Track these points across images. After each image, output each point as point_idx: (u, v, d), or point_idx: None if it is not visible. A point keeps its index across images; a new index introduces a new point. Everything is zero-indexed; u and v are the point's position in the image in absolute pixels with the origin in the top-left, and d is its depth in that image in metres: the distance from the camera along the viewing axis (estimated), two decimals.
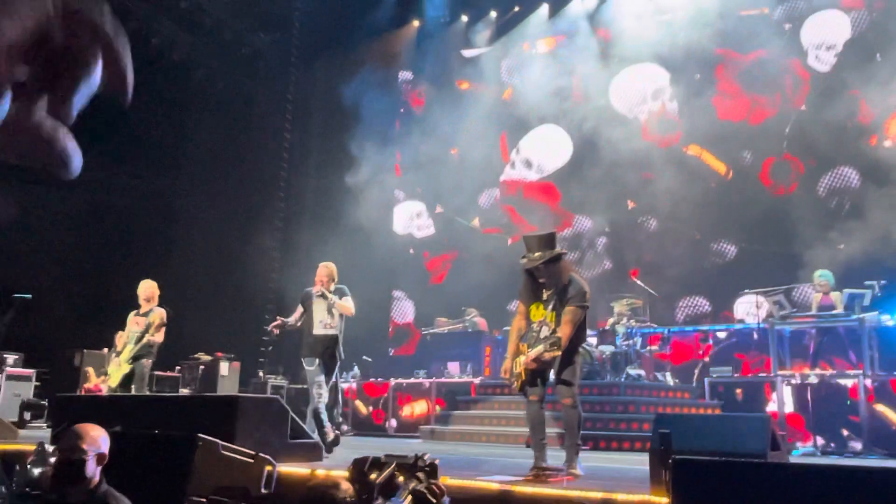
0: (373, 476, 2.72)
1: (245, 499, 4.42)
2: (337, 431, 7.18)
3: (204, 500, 4.15)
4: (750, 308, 10.82)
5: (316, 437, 6.59)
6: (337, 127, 16.25)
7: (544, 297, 5.15)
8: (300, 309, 7.32)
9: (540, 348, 4.82)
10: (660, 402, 9.41)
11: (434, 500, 2.67)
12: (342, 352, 7.21)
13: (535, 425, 5.11)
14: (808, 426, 8.38)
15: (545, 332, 4.96)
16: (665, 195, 12.27)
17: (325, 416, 6.91)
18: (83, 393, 10.67)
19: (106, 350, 10.74)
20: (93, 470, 3.28)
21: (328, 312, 7.11)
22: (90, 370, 11.07)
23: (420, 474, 2.71)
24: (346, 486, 2.48)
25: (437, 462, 2.82)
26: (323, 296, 7.08)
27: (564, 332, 4.85)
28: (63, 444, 3.37)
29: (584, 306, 4.99)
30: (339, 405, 7.79)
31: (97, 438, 3.37)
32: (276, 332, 7.30)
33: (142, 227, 14.99)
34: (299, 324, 7.26)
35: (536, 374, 5.09)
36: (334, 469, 5.06)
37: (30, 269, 13.13)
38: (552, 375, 5.22)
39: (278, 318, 7.37)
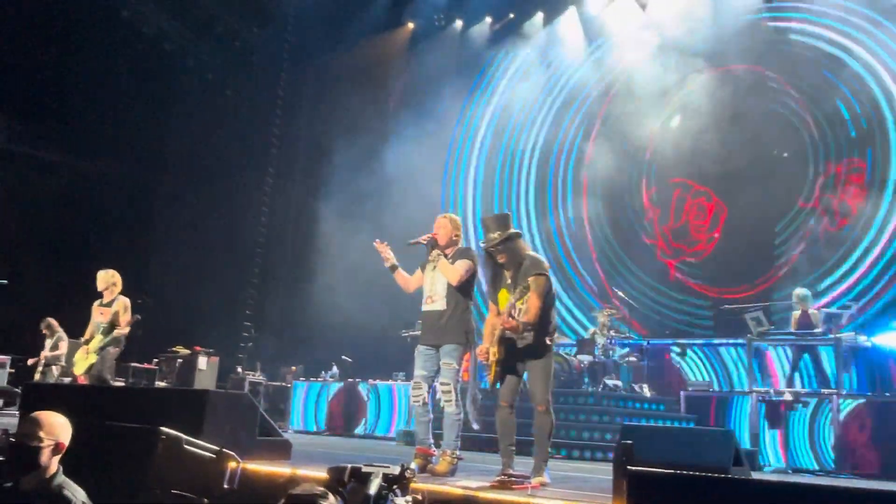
0: (352, 486, 2.57)
1: (207, 494, 4.37)
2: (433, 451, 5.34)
3: (164, 493, 4.11)
4: None
5: (286, 435, 6.50)
6: (325, 124, 16.21)
7: (507, 279, 5.16)
8: (418, 272, 5.63)
9: (511, 301, 4.84)
10: (635, 412, 9.42)
11: None
12: (465, 336, 5.28)
13: (505, 431, 5.08)
14: (784, 443, 8.40)
15: (512, 312, 4.97)
16: None
17: (422, 429, 5.39)
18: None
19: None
20: (48, 459, 3.23)
21: (438, 277, 5.38)
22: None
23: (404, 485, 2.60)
24: (332, 499, 2.36)
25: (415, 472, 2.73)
26: (430, 246, 5.39)
27: (532, 302, 4.85)
28: (20, 430, 3.32)
29: (543, 273, 4.99)
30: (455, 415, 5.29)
31: (56, 427, 3.32)
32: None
33: (122, 215, 14.90)
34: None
35: (507, 371, 5.05)
36: (304, 469, 5.02)
37: (6, 255, 13.02)
38: (525, 381, 5.19)
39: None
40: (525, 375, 5.11)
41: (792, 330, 9.36)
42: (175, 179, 16.01)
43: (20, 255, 13.45)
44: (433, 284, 5.41)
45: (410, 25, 16.85)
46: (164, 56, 15.29)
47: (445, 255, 5.39)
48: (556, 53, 14.98)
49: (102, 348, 7.57)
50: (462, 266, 5.34)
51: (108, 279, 7.86)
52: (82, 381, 7.68)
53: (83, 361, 7.59)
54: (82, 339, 7.98)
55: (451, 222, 5.51)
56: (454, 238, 5.48)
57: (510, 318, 4.83)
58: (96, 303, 7.88)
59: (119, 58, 14.36)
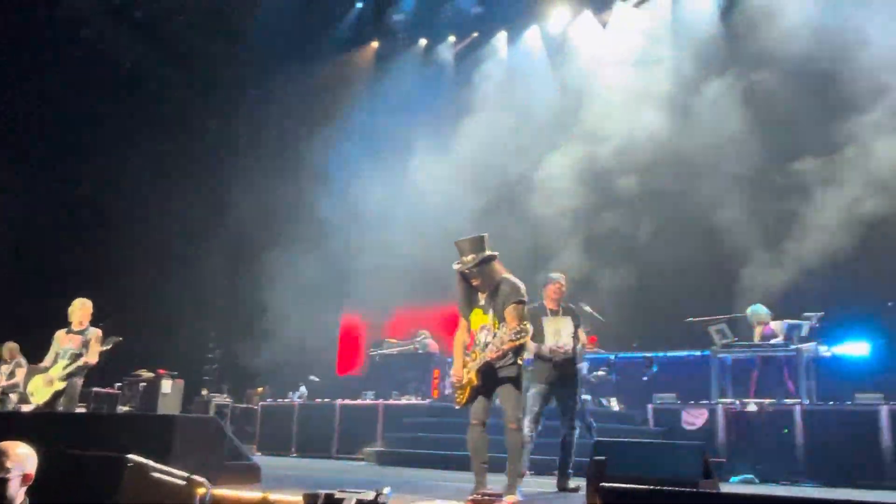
0: None
1: None
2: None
3: None
4: None
5: (254, 458, 6.44)
6: (291, 141, 16.13)
7: (481, 301, 5.18)
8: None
9: (501, 338, 4.78)
10: (603, 428, 9.45)
11: None
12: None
13: (477, 449, 5.09)
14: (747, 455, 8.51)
15: (488, 337, 4.97)
16: None
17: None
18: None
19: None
20: (16, 490, 3.17)
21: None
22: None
23: None
24: None
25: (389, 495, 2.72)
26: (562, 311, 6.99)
27: (512, 328, 4.82)
28: None
29: (521, 301, 5.03)
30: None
31: (23, 457, 3.26)
32: None
33: (80, 239, 14.58)
34: None
35: (480, 391, 5.05)
36: (275, 494, 4.96)
37: None
38: (497, 400, 5.21)
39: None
40: (496, 394, 5.14)
41: (755, 341, 9.55)
42: (135, 202, 15.66)
43: None
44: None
45: (375, 44, 16.90)
46: (126, 76, 15.11)
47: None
48: (520, 72, 15.13)
49: (69, 376, 7.41)
50: None
51: (83, 308, 7.77)
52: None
53: (46, 389, 7.40)
54: (41, 366, 7.81)
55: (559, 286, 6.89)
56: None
57: (498, 350, 4.85)
58: (62, 330, 7.74)
59: (78, 79, 14.11)
